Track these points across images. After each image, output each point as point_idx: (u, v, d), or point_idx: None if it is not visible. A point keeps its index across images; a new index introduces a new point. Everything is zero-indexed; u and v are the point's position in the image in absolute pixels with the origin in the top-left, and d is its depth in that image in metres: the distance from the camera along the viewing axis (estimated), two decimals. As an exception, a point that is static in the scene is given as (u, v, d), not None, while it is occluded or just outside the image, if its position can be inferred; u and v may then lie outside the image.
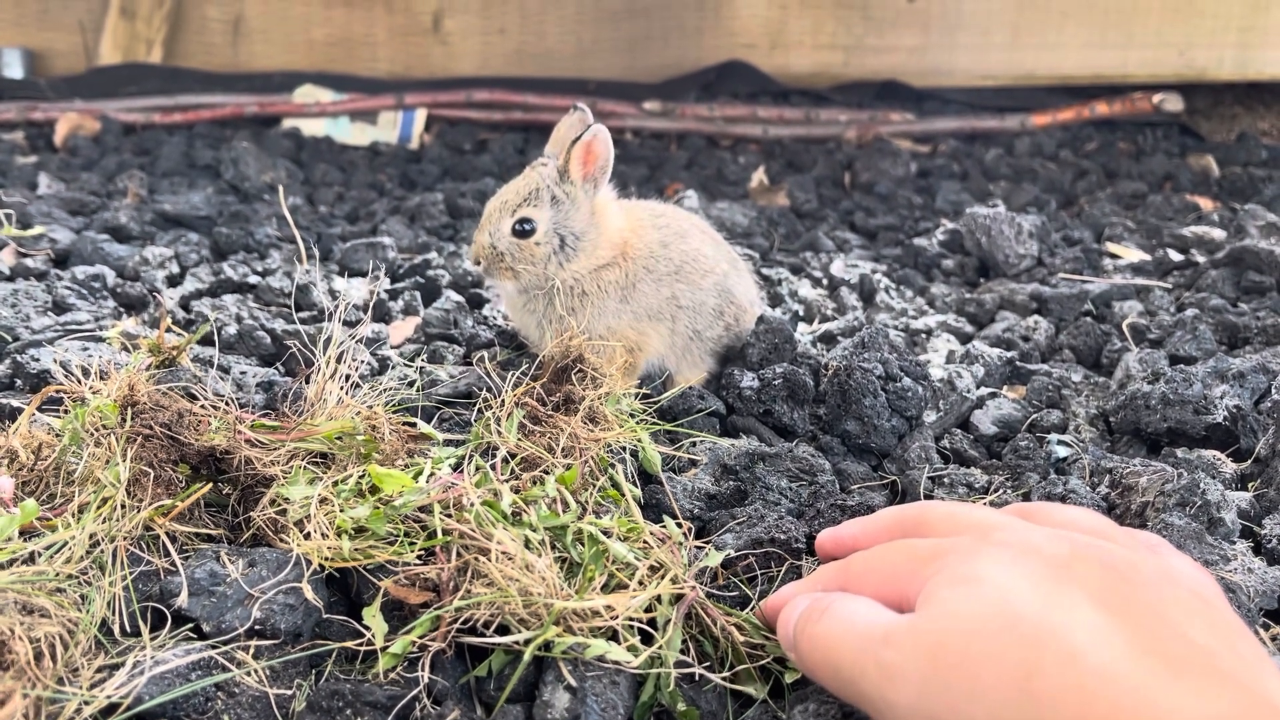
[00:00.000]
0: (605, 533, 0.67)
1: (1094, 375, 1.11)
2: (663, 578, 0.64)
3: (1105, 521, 0.60)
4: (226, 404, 0.76)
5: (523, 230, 0.98)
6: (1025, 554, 0.51)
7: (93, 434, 0.69)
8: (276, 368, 1.05)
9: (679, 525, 0.73)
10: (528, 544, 0.64)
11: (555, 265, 0.98)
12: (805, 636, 0.56)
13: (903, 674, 0.49)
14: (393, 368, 1.03)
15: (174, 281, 1.35)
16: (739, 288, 1.07)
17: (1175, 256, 1.48)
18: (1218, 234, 1.54)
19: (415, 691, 0.60)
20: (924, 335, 1.25)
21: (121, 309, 1.21)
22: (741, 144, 2.49)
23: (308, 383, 0.80)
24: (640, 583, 0.64)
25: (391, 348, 1.15)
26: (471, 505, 0.65)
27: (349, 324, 1.17)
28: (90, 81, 2.65)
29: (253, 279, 1.33)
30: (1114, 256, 1.54)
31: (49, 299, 1.17)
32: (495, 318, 1.24)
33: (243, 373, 1.01)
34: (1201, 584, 0.55)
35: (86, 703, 0.54)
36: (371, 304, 1.23)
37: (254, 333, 1.09)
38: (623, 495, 0.75)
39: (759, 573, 0.71)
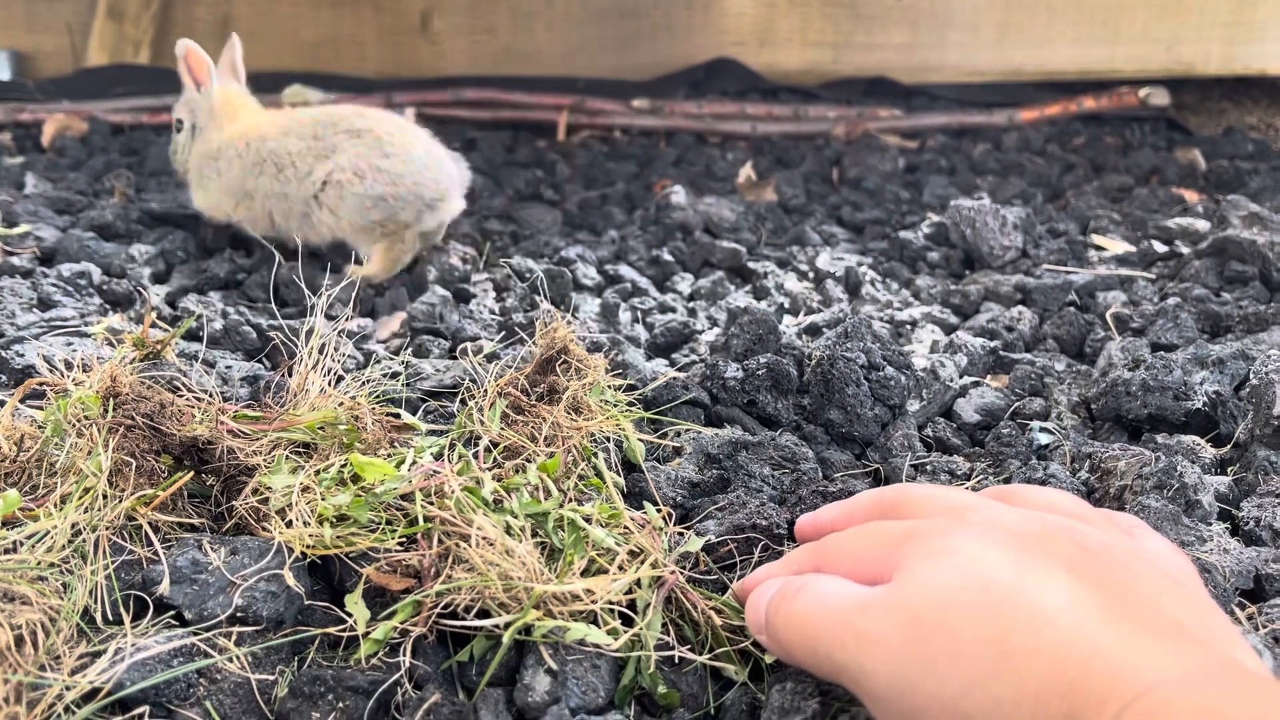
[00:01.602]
0: (586, 519, 0.67)
1: (1077, 364, 1.11)
2: (643, 562, 0.65)
3: (1081, 503, 0.61)
4: (209, 395, 0.77)
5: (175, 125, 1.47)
6: (998, 531, 0.51)
7: (75, 425, 0.69)
8: (261, 362, 1.05)
9: (659, 511, 0.73)
10: (509, 530, 0.65)
11: (185, 152, 1.45)
12: (780, 615, 0.56)
13: (881, 641, 0.49)
14: (377, 361, 1.04)
15: (160, 279, 1.35)
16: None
17: (1160, 248, 1.49)
18: (1202, 225, 1.55)
19: (396, 676, 0.60)
20: (909, 326, 1.25)
21: (107, 306, 1.22)
22: (730, 141, 2.50)
23: (290, 374, 0.80)
24: (620, 567, 0.64)
25: (378, 342, 1.15)
26: (453, 492, 0.66)
27: (332, 317, 1.17)
28: (78, 83, 2.64)
29: (239, 276, 1.33)
30: (1099, 248, 1.54)
31: (34, 296, 1.17)
32: (482, 312, 1.24)
33: (228, 367, 1.01)
34: (1175, 564, 0.55)
35: (68, 688, 0.55)
36: (359, 299, 1.23)
37: (239, 328, 1.09)
38: (604, 482, 0.76)
39: (740, 558, 0.72)
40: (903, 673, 0.48)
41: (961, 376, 1.07)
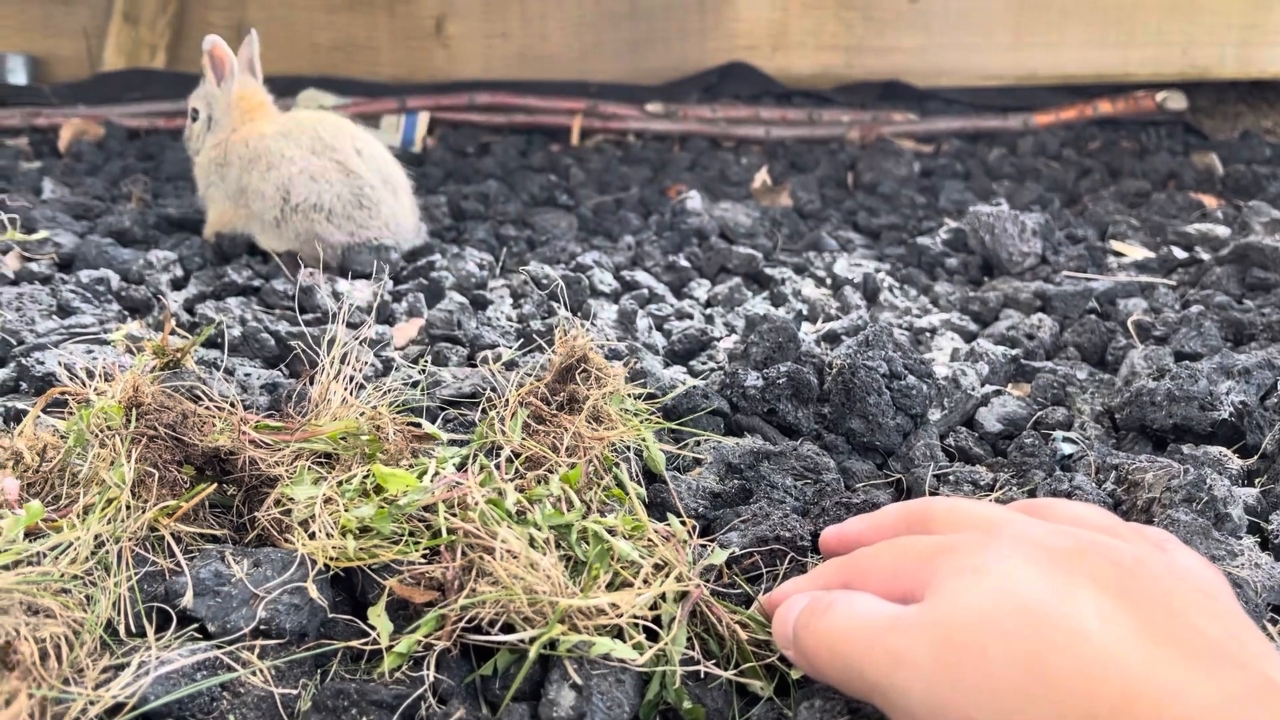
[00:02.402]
0: (610, 531, 0.67)
1: (1099, 373, 1.11)
2: (667, 575, 0.64)
3: (1111, 517, 0.60)
4: (231, 405, 0.76)
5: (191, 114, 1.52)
6: (1031, 547, 0.51)
7: (97, 435, 0.69)
8: (281, 369, 1.05)
9: (683, 523, 0.73)
10: (532, 542, 0.64)
11: (199, 141, 1.50)
12: (809, 632, 0.56)
13: (913, 660, 0.48)
14: (396, 369, 1.03)
15: (178, 285, 1.36)
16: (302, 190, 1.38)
17: (1179, 254, 1.48)
18: (1222, 231, 1.54)
19: (421, 690, 0.60)
20: (928, 334, 1.24)
21: (126, 312, 1.22)
22: (744, 145, 2.49)
23: (311, 383, 0.80)
24: (645, 581, 0.64)
25: (395, 349, 1.15)
26: (476, 504, 0.65)
27: (352, 325, 1.17)
28: (94, 87, 2.65)
29: (256, 282, 1.33)
30: (1118, 254, 1.54)
31: (53, 303, 1.17)
32: (499, 319, 1.24)
33: (247, 375, 1.01)
34: (1209, 580, 0.54)
35: (92, 703, 0.54)
36: (376, 304, 1.23)
37: (258, 335, 1.09)
38: (626, 493, 0.75)
39: (764, 570, 0.71)
40: (936, 693, 0.47)
41: (983, 385, 1.07)
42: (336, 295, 1.26)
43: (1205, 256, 1.44)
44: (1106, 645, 0.44)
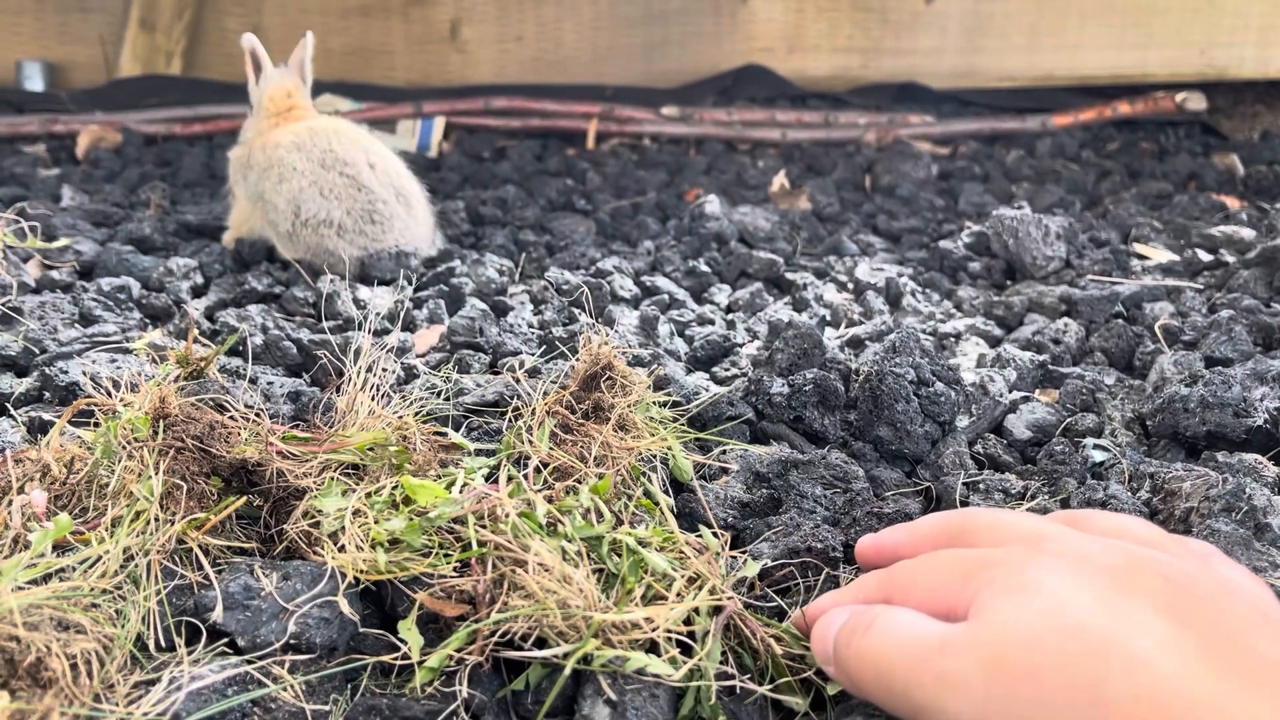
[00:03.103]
0: (641, 543, 0.66)
1: (1127, 378, 1.09)
2: (700, 589, 0.63)
3: (1154, 529, 0.59)
4: (257, 415, 0.76)
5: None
6: (1080, 564, 0.49)
7: (125, 447, 0.68)
8: (304, 377, 1.05)
9: (715, 535, 0.72)
10: (564, 555, 0.64)
11: (247, 131, 1.52)
12: (851, 650, 0.55)
13: (963, 683, 0.47)
14: (419, 377, 1.03)
15: (198, 292, 1.35)
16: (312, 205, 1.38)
17: (1204, 256, 1.46)
18: (1247, 233, 1.53)
19: (453, 706, 0.59)
20: (952, 339, 1.23)
21: (147, 320, 1.21)
22: (760, 148, 2.48)
23: (338, 393, 0.79)
24: (678, 594, 0.63)
25: (417, 356, 1.15)
26: (506, 516, 0.64)
27: (376, 334, 1.17)
28: (111, 94, 2.66)
29: (277, 289, 1.33)
30: (1142, 257, 1.52)
31: (75, 311, 1.17)
32: (520, 325, 1.23)
33: (270, 383, 1.00)
34: (1256, 595, 0.53)
35: (124, 720, 0.54)
36: (401, 313, 1.23)
37: (280, 343, 1.09)
38: (656, 505, 0.74)
39: (798, 582, 0.70)
40: (987, 718, 0.46)
41: (1011, 391, 1.06)
42: (358, 303, 1.26)
43: (1231, 259, 1.43)
44: (1166, 671, 0.42)
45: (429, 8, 2.89)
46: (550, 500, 0.70)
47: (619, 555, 0.66)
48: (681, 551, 0.67)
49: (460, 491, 0.69)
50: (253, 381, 1.00)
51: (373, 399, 0.78)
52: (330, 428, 0.76)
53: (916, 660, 0.50)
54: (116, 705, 0.55)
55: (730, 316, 1.33)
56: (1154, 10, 2.57)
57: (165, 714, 0.55)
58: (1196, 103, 2.46)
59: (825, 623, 0.59)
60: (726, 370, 1.12)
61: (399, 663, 0.62)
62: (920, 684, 0.49)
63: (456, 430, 0.86)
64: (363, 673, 0.63)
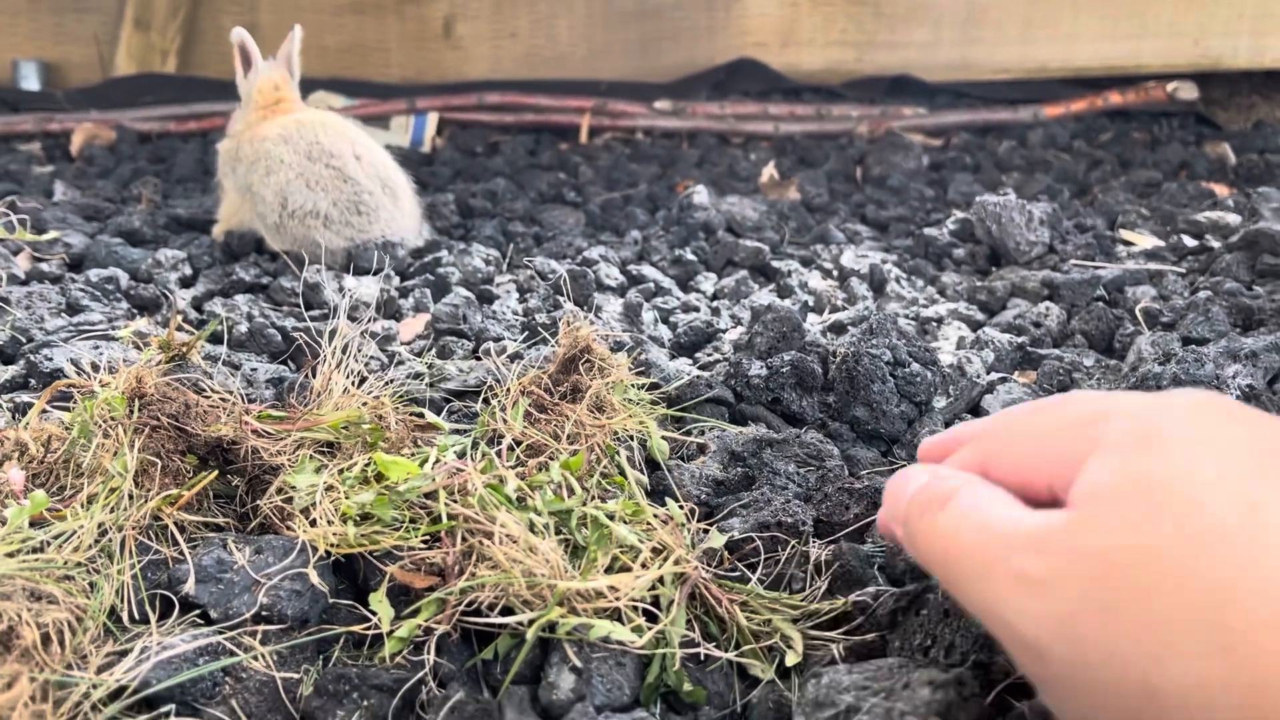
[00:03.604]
0: (609, 516, 0.67)
1: (1105, 359, 1.10)
2: (665, 558, 0.64)
3: None
4: (233, 396, 0.77)
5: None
6: (1229, 427, 0.40)
7: (101, 426, 0.69)
8: (287, 364, 1.06)
9: (681, 507, 0.73)
10: (532, 527, 0.64)
11: (237, 123, 1.52)
12: (924, 523, 0.48)
13: (1049, 588, 0.40)
14: (401, 362, 1.04)
15: (186, 283, 1.36)
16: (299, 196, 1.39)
17: (1190, 242, 1.47)
18: (1233, 219, 1.53)
19: (421, 674, 0.60)
20: (935, 324, 1.24)
21: (135, 310, 1.23)
22: (753, 141, 2.49)
23: (313, 374, 0.80)
24: (644, 564, 0.64)
25: (402, 344, 1.16)
26: (476, 490, 0.65)
27: (353, 319, 1.18)
28: (106, 92, 2.68)
29: (264, 280, 1.34)
30: (1127, 243, 1.53)
31: (63, 301, 1.18)
32: (505, 313, 1.24)
33: (253, 369, 1.01)
34: None
35: (95, 687, 0.55)
36: (383, 301, 1.24)
37: (265, 330, 1.10)
38: (626, 479, 0.75)
39: (764, 556, 0.71)
40: (1075, 628, 0.39)
41: (989, 372, 1.06)
42: (343, 290, 1.27)
43: (1216, 244, 1.44)
44: None
45: (423, 5, 2.90)
46: (522, 476, 0.71)
47: (588, 528, 0.67)
48: (649, 523, 0.68)
49: (432, 467, 0.70)
50: (236, 367, 1.01)
51: (349, 379, 0.79)
52: (305, 407, 0.77)
53: (994, 556, 0.43)
54: (88, 673, 0.56)
55: (715, 304, 1.34)
56: (1148, 1, 2.57)
57: (135, 681, 0.56)
58: (1188, 92, 2.46)
59: (900, 481, 0.53)
60: (709, 355, 1.13)
61: (370, 633, 0.63)
62: (993, 583, 0.42)
63: (438, 415, 0.87)
64: (334, 643, 0.64)
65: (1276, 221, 1.37)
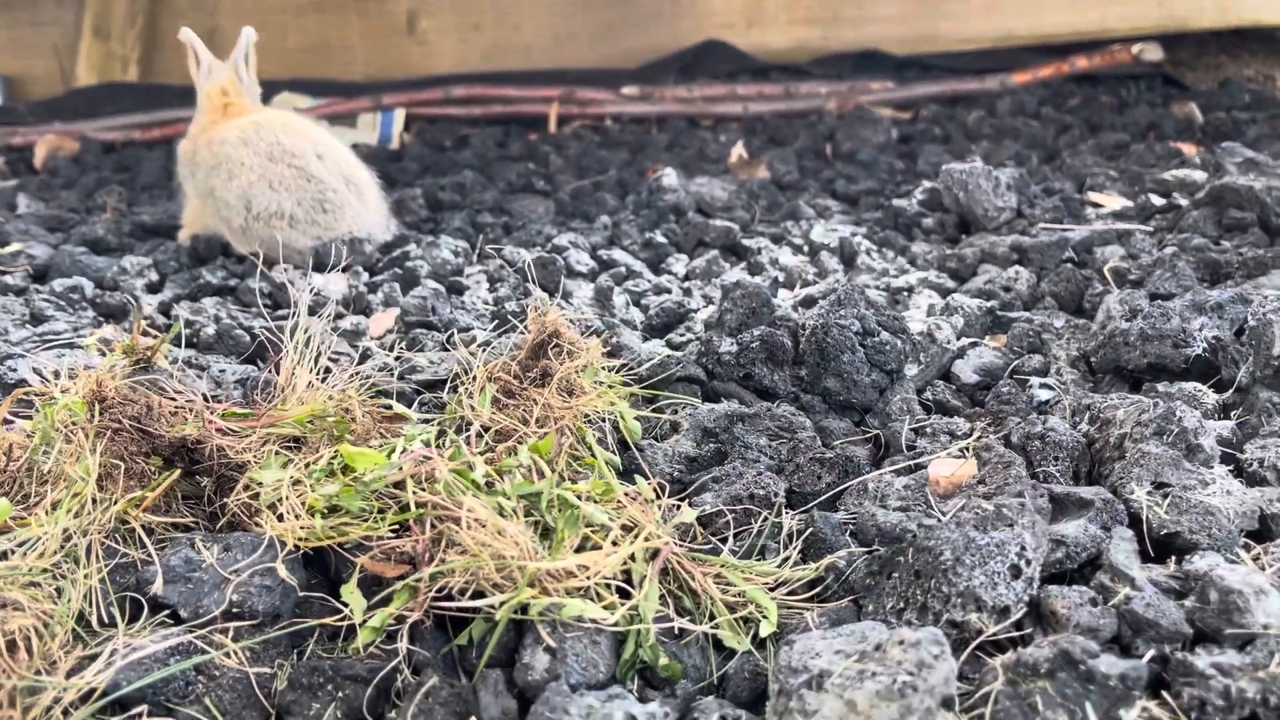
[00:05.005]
0: (579, 496, 0.67)
1: (1075, 320, 1.10)
2: (636, 535, 0.64)
3: None
4: (195, 396, 0.76)
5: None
6: None
7: (62, 431, 0.69)
8: (256, 364, 1.05)
9: (650, 483, 0.72)
10: (500, 511, 0.64)
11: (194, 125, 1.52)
12: None
13: None
14: (370, 356, 1.03)
15: (154, 289, 1.35)
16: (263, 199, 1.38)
17: (1158, 201, 1.47)
18: (1199, 175, 1.53)
19: (395, 663, 0.60)
20: (906, 293, 1.24)
21: (101, 318, 1.22)
22: (722, 123, 2.48)
23: (277, 370, 0.80)
24: (615, 542, 0.63)
25: (372, 339, 1.15)
26: (442, 476, 0.65)
27: (316, 314, 1.17)
28: (69, 103, 2.65)
29: (232, 282, 1.33)
30: (1096, 205, 1.53)
31: (27, 312, 1.17)
32: (475, 303, 1.24)
33: (221, 370, 1.01)
34: None
35: (64, 691, 0.54)
36: (352, 297, 1.23)
37: (232, 332, 1.09)
38: (595, 459, 0.75)
39: (737, 528, 0.71)
40: None
41: (959, 338, 1.06)
42: (311, 288, 1.26)
43: (1183, 202, 1.44)
44: None
45: (385, 1, 2.88)
46: (491, 462, 0.71)
47: (558, 510, 0.67)
48: (619, 502, 0.67)
49: (399, 457, 0.69)
50: (204, 369, 1.00)
51: (314, 374, 0.79)
52: (269, 403, 0.76)
53: None
54: (57, 678, 0.55)
55: (687, 285, 1.33)
56: (1111, -35, 2.57)
57: (104, 684, 0.55)
58: (1153, 53, 2.46)
59: None
60: (682, 336, 1.13)
61: (344, 625, 0.63)
62: None
63: (408, 406, 0.87)
64: (308, 637, 0.63)
65: (1241, 176, 1.37)
